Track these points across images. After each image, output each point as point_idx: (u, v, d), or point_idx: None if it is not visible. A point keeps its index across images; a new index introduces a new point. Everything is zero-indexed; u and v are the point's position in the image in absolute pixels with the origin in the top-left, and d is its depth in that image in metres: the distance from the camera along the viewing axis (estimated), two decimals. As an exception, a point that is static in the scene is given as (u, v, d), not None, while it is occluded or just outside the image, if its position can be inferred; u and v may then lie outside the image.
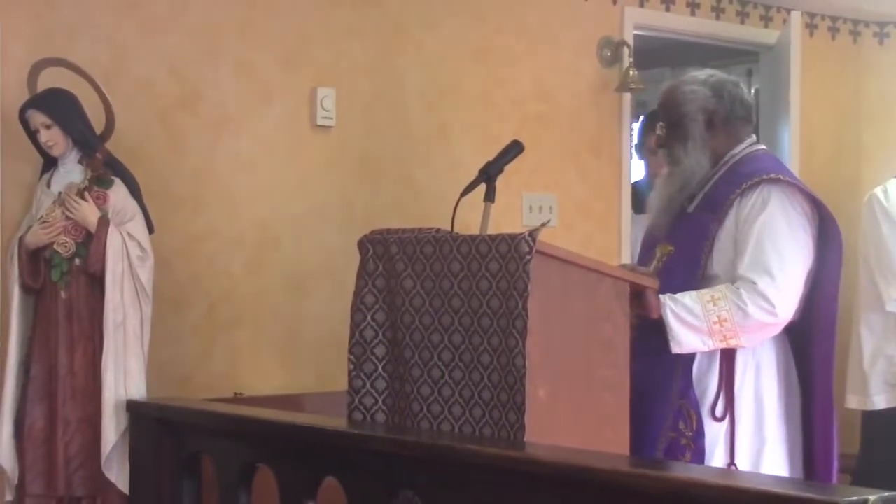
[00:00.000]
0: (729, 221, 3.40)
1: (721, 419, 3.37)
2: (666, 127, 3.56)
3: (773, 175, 3.42)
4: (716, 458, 3.36)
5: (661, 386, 3.38)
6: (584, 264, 3.20)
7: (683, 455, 3.35)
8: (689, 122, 3.49)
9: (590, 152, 5.21)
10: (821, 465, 3.47)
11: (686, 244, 3.44)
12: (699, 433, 3.35)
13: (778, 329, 3.39)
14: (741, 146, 3.53)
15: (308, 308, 4.46)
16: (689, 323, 3.30)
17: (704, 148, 3.49)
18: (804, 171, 5.73)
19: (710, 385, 3.39)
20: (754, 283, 3.31)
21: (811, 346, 3.46)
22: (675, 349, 3.33)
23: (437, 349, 3.22)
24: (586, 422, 3.16)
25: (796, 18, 5.53)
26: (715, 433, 3.37)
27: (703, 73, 3.58)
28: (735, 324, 3.30)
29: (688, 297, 3.33)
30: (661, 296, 3.33)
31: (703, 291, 3.34)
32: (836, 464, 3.50)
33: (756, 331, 3.34)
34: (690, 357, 3.37)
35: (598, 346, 3.20)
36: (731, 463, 3.37)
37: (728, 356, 3.38)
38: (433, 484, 2.96)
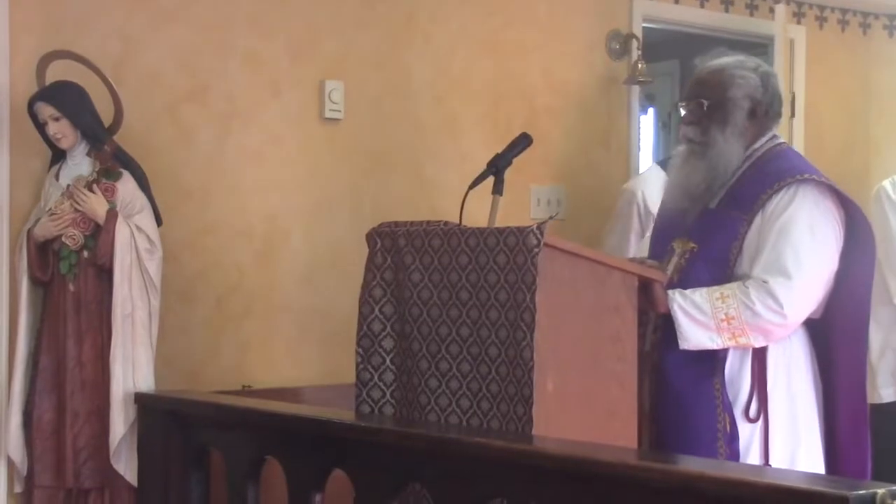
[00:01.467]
0: (757, 221, 3.33)
1: (755, 420, 3.31)
2: (707, 107, 3.41)
3: (805, 175, 3.35)
4: (750, 460, 3.30)
5: (704, 390, 3.32)
6: (592, 257, 3.20)
7: (717, 458, 3.27)
8: (732, 107, 3.39)
9: (599, 145, 5.21)
10: (851, 468, 3.42)
11: (711, 242, 3.37)
12: (733, 436, 3.29)
13: (788, 330, 3.33)
14: (763, 140, 3.46)
15: (316, 301, 4.46)
16: (696, 319, 3.27)
17: (742, 137, 3.40)
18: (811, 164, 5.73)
19: (742, 386, 3.33)
20: (765, 282, 3.26)
21: (835, 347, 3.41)
22: (683, 345, 3.29)
23: (445, 342, 3.22)
24: (594, 415, 3.16)
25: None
26: (749, 435, 3.32)
27: (751, 61, 3.48)
28: (743, 322, 3.26)
29: (697, 294, 3.29)
30: (669, 290, 3.31)
31: (714, 288, 3.29)
32: (869, 466, 3.45)
33: (766, 331, 3.29)
34: (723, 357, 3.33)
35: (607, 339, 3.20)
36: (766, 464, 3.31)
37: (759, 355, 3.33)
38: (441, 476, 2.96)
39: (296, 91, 4.44)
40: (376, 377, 3.37)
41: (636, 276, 3.28)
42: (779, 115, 3.50)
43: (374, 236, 3.41)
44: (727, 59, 3.49)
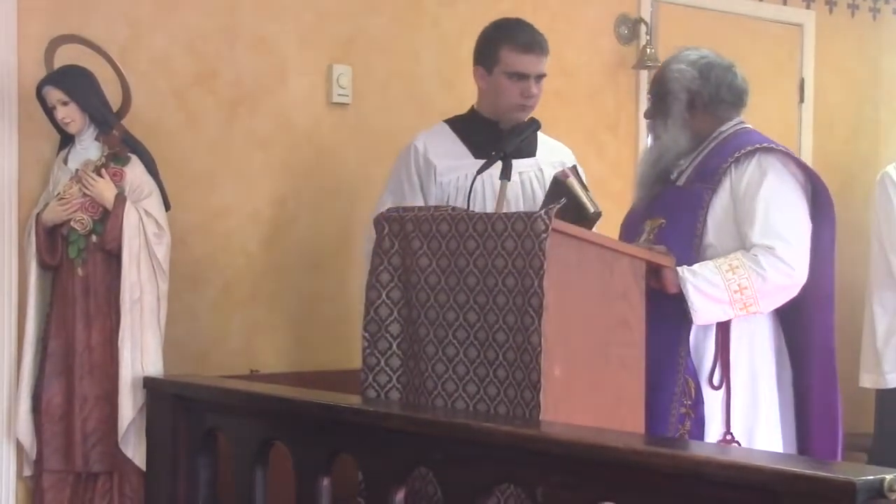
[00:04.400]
0: (723, 191, 3.46)
1: (718, 388, 3.42)
2: (652, 101, 3.64)
3: (766, 144, 3.49)
4: (713, 426, 3.41)
5: (668, 356, 3.40)
6: (600, 243, 3.20)
7: (683, 424, 3.40)
8: (671, 100, 3.56)
9: (607, 130, 5.20)
10: (822, 442, 3.50)
11: (679, 216, 3.47)
12: (698, 401, 3.40)
13: (795, 291, 3.43)
14: (729, 125, 3.60)
15: (324, 286, 4.46)
16: (710, 295, 3.33)
17: (684, 127, 3.56)
18: (820, 149, 5.72)
19: (706, 354, 3.43)
20: (772, 248, 3.36)
21: (806, 319, 3.52)
22: (698, 321, 3.36)
23: (452, 327, 3.22)
24: (602, 400, 3.16)
25: None
26: (713, 402, 3.42)
27: (695, 54, 3.62)
28: (755, 290, 3.35)
29: (707, 269, 3.36)
30: (678, 268, 3.34)
31: (720, 261, 3.37)
32: (840, 441, 3.53)
33: (775, 294, 3.39)
34: (688, 327, 3.41)
35: (615, 324, 3.21)
36: (728, 432, 3.42)
37: (723, 326, 3.43)
38: (448, 461, 2.97)
39: (304, 76, 4.44)
40: (383, 362, 3.37)
41: (644, 262, 3.28)
42: (731, 103, 3.60)
43: (381, 221, 3.41)
44: (673, 55, 3.66)
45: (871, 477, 2.22)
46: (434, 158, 3.81)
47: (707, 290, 3.33)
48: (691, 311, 3.34)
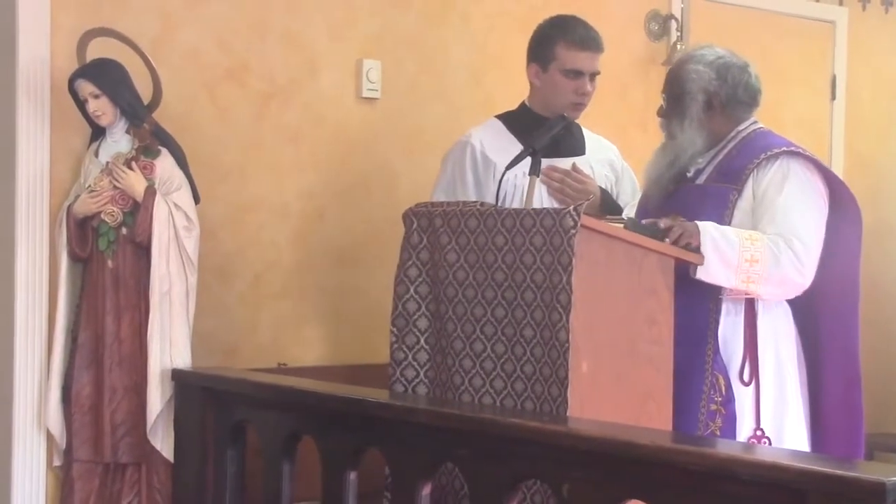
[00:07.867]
0: (747, 191, 3.46)
1: (748, 384, 3.42)
2: (668, 100, 3.62)
3: (792, 148, 3.48)
4: (745, 423, 3.41)
5: (696, 352, 3.40)
6: (629, 239, 3.19)
7: (714, 420, 3.39)
8: (688, 101, 3.55)
9: (636, 127, 5.18)
10: (843, 440, 3.51)
11: (702, 214, 3.44)
12: (729, 398, 3.39)
13: (799, 290, 3.43)
14: (745, 125, 3.59)
15: (352, 280, 4.47)
16: (723, 253, 3.30)
17: (700, 127, 3.54)
18: (852, 147, 5.68)
19: (735, 351, 3.43)
20: (790, 241, 3.35)
21: (824, 322, 3.52)
22: (701, 275, 3.31)
23: (479, 322, 3.22)
24: (629, 397, 3.15)
25: None
26: (743, 398, 3.42)
27: (712, 54, 3.60)
28: (764, 268, 3.34)
29: (728, 229, 3.36)
30: (700, 223, 3.33)
31: (742, 230, 3.37)
32: (863, 440, 3.54)
33: (779, 284, 3.38)
34: (716, 323, 3.40)
35: (642, 320, 3.20)
36: (758, 427, 3.42)
37: (750, 323, 3.43)
38: (475, 457, 2.97)
39: (333, 70, 4.45)
40: (410, 357, 3.38)
41: (673, 259, 3.27)
42: (747, 104, 3.59)
43: (410, 216, 3.41)
44: (688, 54, 3.65)
45: (901, 477, 2.21)
46: (492, 155, 3.79)
47: (723, 246, 3.30)
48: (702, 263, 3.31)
